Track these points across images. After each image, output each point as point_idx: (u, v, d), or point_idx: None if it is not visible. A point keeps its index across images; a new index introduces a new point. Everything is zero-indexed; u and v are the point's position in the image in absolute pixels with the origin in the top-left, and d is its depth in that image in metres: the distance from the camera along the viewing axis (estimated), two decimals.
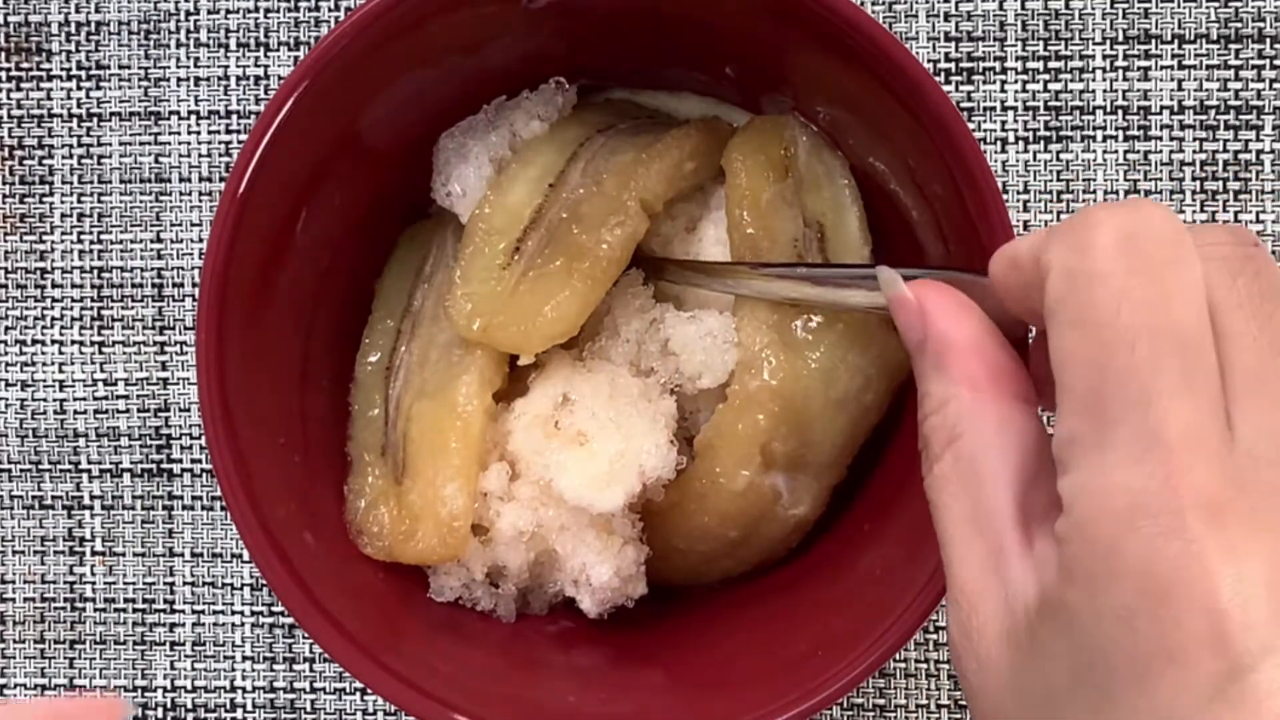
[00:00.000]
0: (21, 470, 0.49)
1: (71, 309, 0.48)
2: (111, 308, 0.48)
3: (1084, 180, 0.46)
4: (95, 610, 0.48)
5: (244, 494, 0.34)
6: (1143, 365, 0.22)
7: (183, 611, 0.48)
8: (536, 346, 0.39)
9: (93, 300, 0.48)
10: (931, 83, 0.33)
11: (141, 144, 0.48)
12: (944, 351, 0.28)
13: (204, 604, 0.48)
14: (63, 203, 0.49)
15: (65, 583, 0.48)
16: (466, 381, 0.39)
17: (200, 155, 0.48)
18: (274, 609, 0.48)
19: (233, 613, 0.48)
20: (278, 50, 0.48)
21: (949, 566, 0.27)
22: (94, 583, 0.48)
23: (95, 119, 0.48)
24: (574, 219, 0.39)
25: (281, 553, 0.35)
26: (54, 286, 0.49)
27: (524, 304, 0.38)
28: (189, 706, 0.48)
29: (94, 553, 0.48)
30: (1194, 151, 0.46)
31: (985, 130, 0.46)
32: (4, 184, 0.49)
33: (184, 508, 0.48)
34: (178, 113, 0.48)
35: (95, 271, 0.48)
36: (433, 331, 0.41)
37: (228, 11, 0.48)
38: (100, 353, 0.48)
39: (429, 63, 0.38)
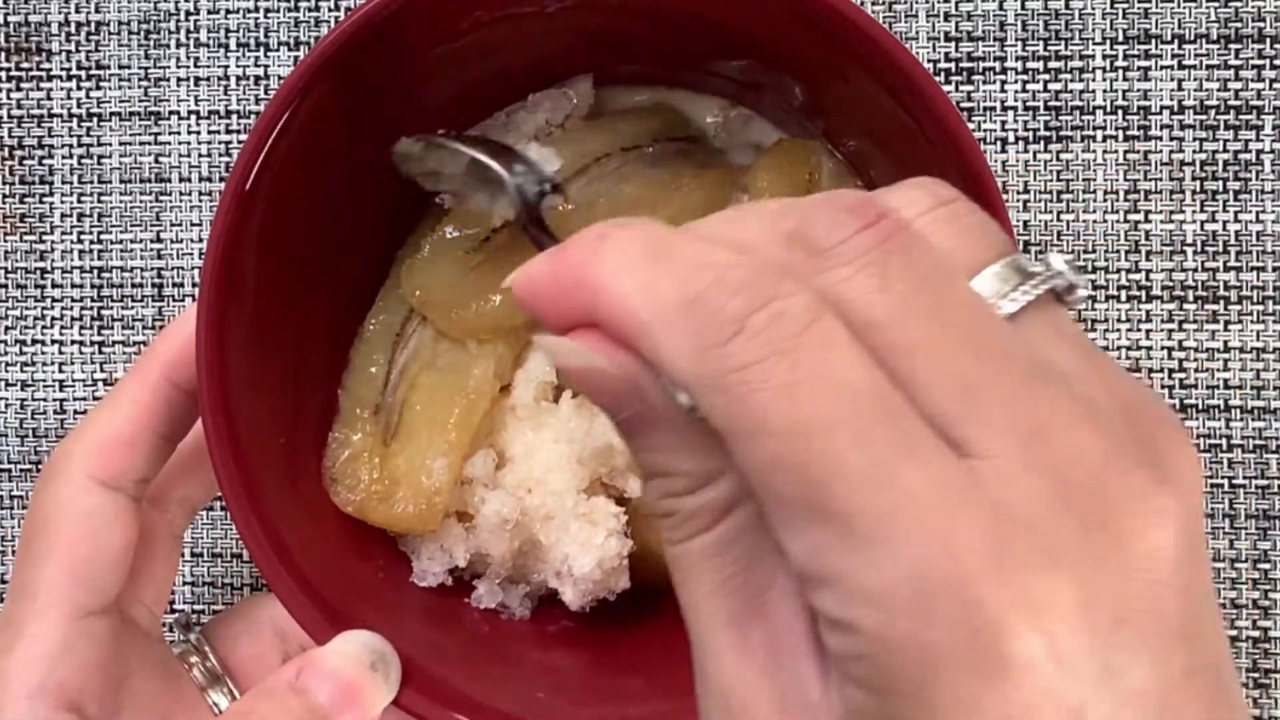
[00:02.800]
0: (21, 470, 0.49)
1: (71, 309, 0.48)
2: (111, 308, 0.48)
3: (1084, 180, 0.46)
4: None
5: (244, 494, 0.34)
6: (845, 450, 0.20)
7: (182, 611, 0.48)
8: (461, 333, 0.40)
9: (93, 300, 0.48)
10: (957, 118, 0.33)
11: (141, 144, 0.48)
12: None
13: (204, 604, 0.48)
14: (63, 203, 0.49)
15: None
16: (483, 366, 0.40)
17: (200, 155, 0.48)
18: None
19: None
20: (278, 50, 0.48)
21: (709, 665, 0.23)
22: None
23: (95, 119, 0.48)
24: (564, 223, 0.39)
25: (283, 551, 0.35)
26: (54, 286, 0.49)
27: (462, 290, 0.39)
28: None
29: None
30: (1194, 151, 0.46)
31: (985, 130, 0.47)
32: (4, 184, 0.49)
33: None
34: (178, 113, 0.48)
35: (95, 271, 0.48)
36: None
37: (228, 11, 0.48)
38: (100, 353, 0.48)
39: (435, 63, 0.38)
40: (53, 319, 0.49)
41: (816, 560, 0.20)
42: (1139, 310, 0.46)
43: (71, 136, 0.49)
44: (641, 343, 0.22)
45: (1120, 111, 0.46)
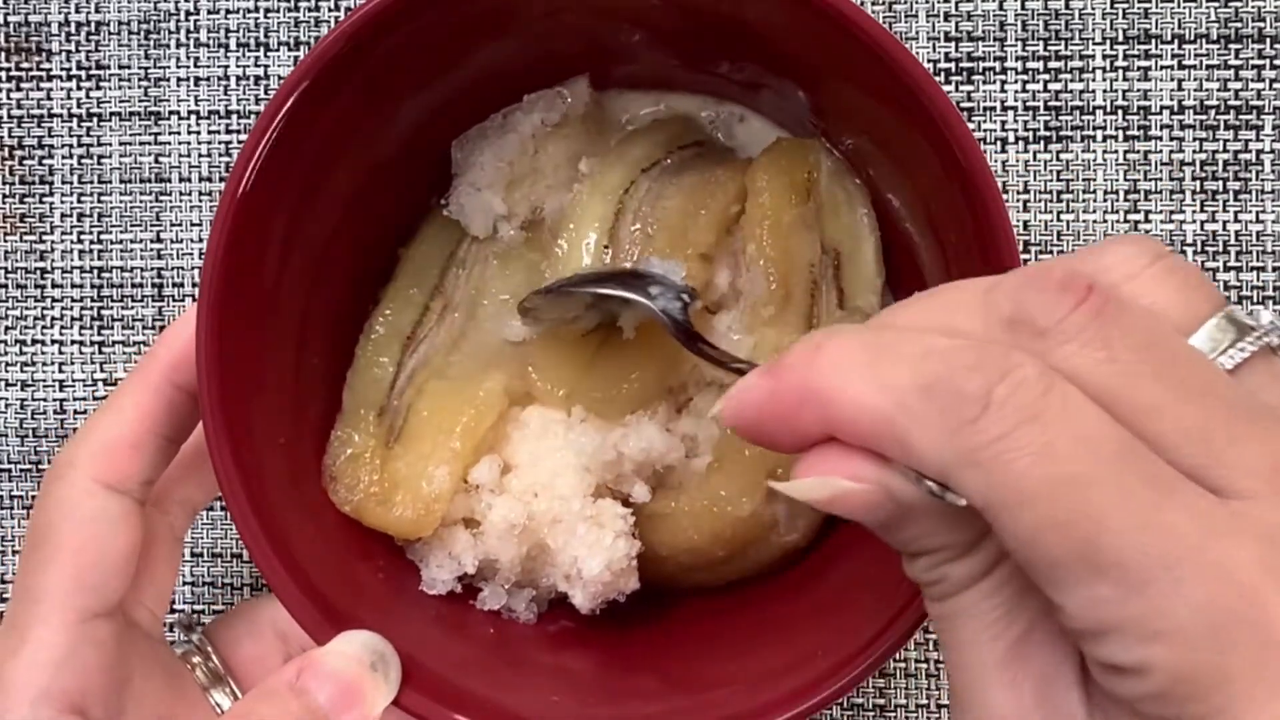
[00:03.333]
0: (21, 470, 0.49)
1: (71, 309, 0.48)
2: (111, 308, 0.48)
3: (1084, 180, 0.46)
4: None
5: (244, 494, 0.34)
6: (1109, 502, 0.21)
7: (183, 611, 0.48)
8: (615, 413, 0.40)
9: (93, 300, 0.48)
10: (957, 118, 0.33)
11: (141, 144, 0.48)
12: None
13: (204, 604, 0.48)
14: (63, 203, 0.49)
15: None
16: (495, 379, 0.40)
17: (200, 155, 0.48)
18: None
19: None
20: (278, 50, 0.48)
21: (978, 703, 0.24)
22: None
23: (95, 119, 0.48)
24: None
25: (283, 552, 0.35)
26: (54, 286, 0.49)
27: (597, 377, 0.40)
28: None
29: None
30: (1194, 151, 0.46)
31: (985, 130, 0.47)
32: (4, 184, 0.49)
33: None
34: (178, 113, 0.48)
35: (95, 271, 0.48)
36: (468, 328, 0.41)
37: (228, 11, 0.48)
38: (100, 353, 0.48)
39: (433, 62, 0.38)
40: (53, 319, 0.49)
41: (1096, 613, 0.21)
42: None
43: (71, 136, 0.49)
44: (885, 439, 0.23)
45: (1120, 111, 0.46)
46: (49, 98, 0.49)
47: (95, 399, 0.48)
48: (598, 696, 0.39)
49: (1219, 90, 0.46)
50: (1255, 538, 0.21)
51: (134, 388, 0.36)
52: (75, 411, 0.48)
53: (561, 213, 0.41)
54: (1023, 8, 0.46)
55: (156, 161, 0.48)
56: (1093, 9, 0.46)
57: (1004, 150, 0.47)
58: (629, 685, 0.39)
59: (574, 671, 0.40)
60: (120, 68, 0.48)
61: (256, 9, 0.48)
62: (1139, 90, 0.46)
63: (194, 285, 0.48)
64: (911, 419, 0.22)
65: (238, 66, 0.48)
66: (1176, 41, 0.46)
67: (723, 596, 0.42)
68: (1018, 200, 0.46)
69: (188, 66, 0.48)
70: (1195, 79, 0.46)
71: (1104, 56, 0.46)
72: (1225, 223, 0.46)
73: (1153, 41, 0.46)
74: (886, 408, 0.22)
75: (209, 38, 0.48)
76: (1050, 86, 0.46)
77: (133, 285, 0.48)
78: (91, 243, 0.48)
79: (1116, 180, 0.46)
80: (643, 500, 0.40)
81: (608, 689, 0.39)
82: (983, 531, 0.23)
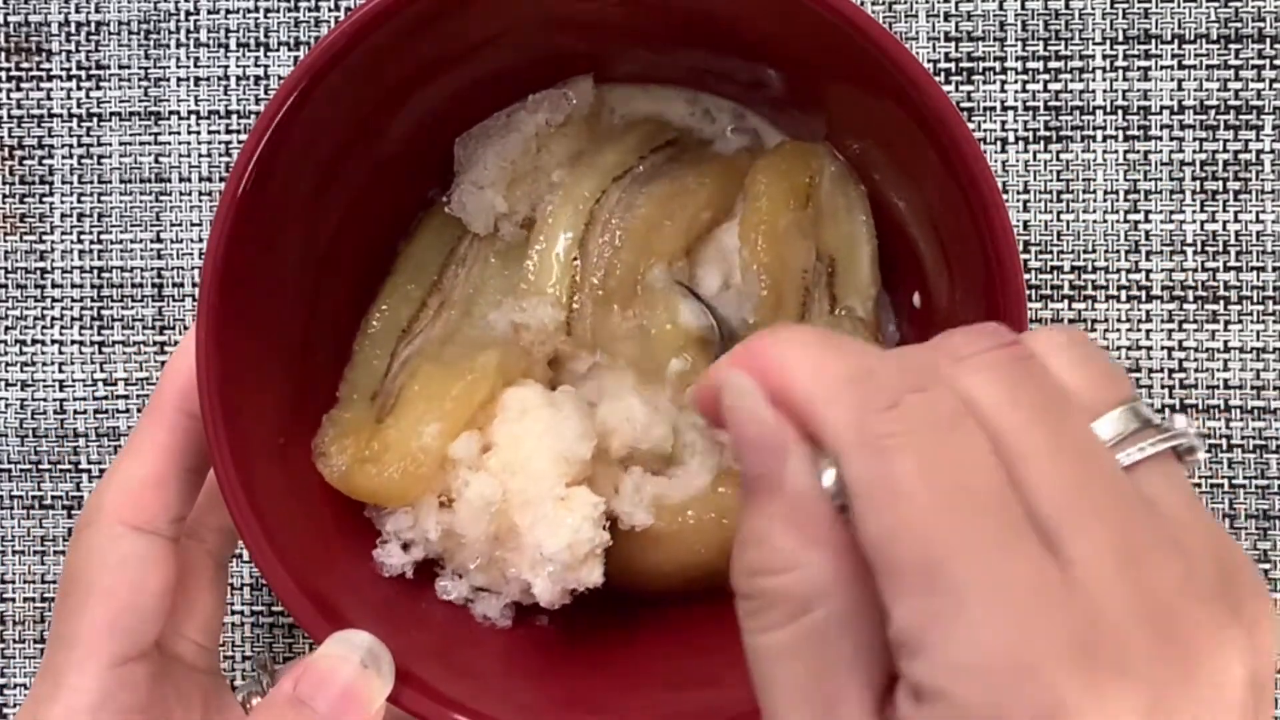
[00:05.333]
0: (21, 470, 0.49)
1: (71, 309, 0.48)
2: (111, 308, 0.48)
3: (1084, 180, 0.46)
4: None
5: (244, 494, 0.34)
6: (970, 534, 0.22)
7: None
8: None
9: (93, 300, 0.48)
10: (957, 118, 0.33)
11: (141, 144, 0.48)
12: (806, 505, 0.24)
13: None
14: (63, 203, 0.49)
15: None
16: (489, 355, 0.39)
17: (200, 155, 0.48)
18: (274, 609, 0.48)
19: (233, 613, 0.48)
20: (278, 50, 0.48)
21: None
22: None
23: (95, 119, 0.48)
24: (607, 296, 0.40)
25: (283, 551, 0.35)
26: (54, 286, 0.49)
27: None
28: None
29: None
30: (1194, 151, 0.46)
31: (985, 130, 0.47)
32: (4, 184, 0.49)
33: None
34: (178, 113, 0.48)
35: (95, 271, 0.48)
36: (463, 324, 0.41)
37: (228, 11, 0.48)
38: (100, 353, 0.48)
39: (434, 62, 0.38)
40: (53, 319, 0.49)
41: (920, 627, 0.22)
42: (1139, 310, 0.46)
43: (71, 136, 0.49)
44: (804, 406, 0.24)
45: (1120, 111, 0.46)
46: (49, 98, 0.49)
47: (95, 399, 0.48)
48: (596, 698, 0.39)
49: (1219, 90, 0.46)
50: (1075, 611, 0.21)
51: (147, 426, 0.36)
52: (75, 411, 0.48)
53: (534, 225, 0.41)
54: (1023, 8, 0.46)
55: (156, 161, 0.48)
56: (1093, 9, 0.46)
57: (1004, 150, 0.47)
58: (622, 688, 0.39)
59: (574, 674, 0.40)
60: (120, 68, 0.48)
61: (256, 9, 0.48)
62: (1139, 90, 0.46)
63: (194, 285, 0.48)
64: (831, 398, 0.23)
65: (238, 66, 0.48)
66: (1176, 41, 0.46)
67: (716, 599, 0.41)
68: (1018, 200, 0.46)
69: (188, 66, 0.48)
70: (1195, 79, 0.46)
71: (1104, 56, 0.46)
72: (1225, 223, 0.46)
73: (1153, 41, 0.46)
74: (813, 383, 0.24)
75: (209, 38, 0.48)
76: (1050, 86, 0.46)
77: (133, 285, 0.48)
78: (91, 243, 0.48)
79: (1116, 180, 0.46)
80: (645, 524, 0.39)
81: (602, 692, 0.39)
82: (809, 561, 0.23)
